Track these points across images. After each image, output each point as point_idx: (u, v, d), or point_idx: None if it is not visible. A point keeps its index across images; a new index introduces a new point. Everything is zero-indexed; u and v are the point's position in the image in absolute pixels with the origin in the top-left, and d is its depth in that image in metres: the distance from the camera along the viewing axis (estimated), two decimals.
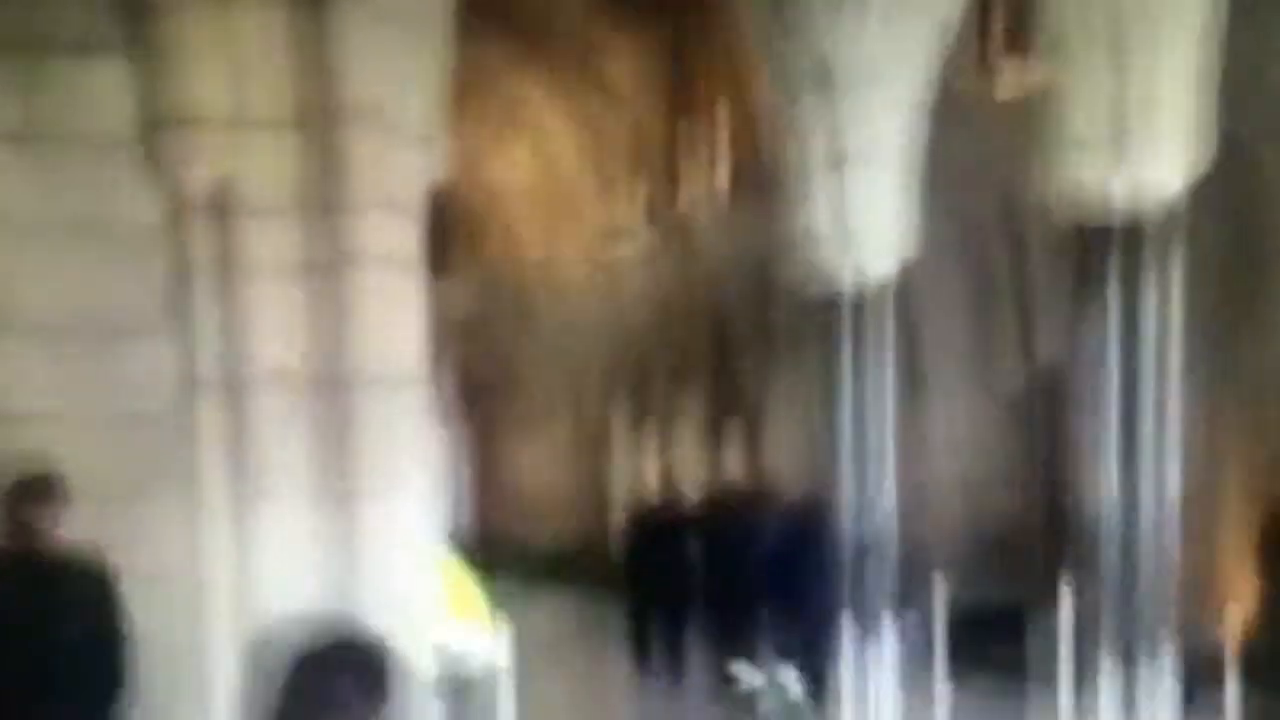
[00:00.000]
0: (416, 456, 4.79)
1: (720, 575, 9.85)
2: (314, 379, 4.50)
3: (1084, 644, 5.45)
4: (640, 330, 19.18)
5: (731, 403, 18.38)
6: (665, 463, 18.83)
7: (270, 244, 4.47)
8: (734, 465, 17.71)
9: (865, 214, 6.83)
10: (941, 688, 7.19)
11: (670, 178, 18.06)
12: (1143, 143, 5.48)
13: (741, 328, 18.36)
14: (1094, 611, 5.44)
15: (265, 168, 4.45)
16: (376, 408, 4.59)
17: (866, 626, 6.96)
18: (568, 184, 20.98)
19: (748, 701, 9.03)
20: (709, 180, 17.16)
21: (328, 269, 4.50)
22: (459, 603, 6.19)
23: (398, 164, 4.68)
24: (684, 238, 17.80)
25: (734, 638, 9.58)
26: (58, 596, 4.26)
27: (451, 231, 24.19)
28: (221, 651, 4.43)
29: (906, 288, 7.23)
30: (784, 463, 15.58)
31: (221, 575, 4.47)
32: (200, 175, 4.44)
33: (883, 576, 7.01)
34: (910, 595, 7.16)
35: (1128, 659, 5.37)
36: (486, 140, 21.15)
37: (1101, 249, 5.52)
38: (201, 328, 4.46)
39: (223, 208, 4.44)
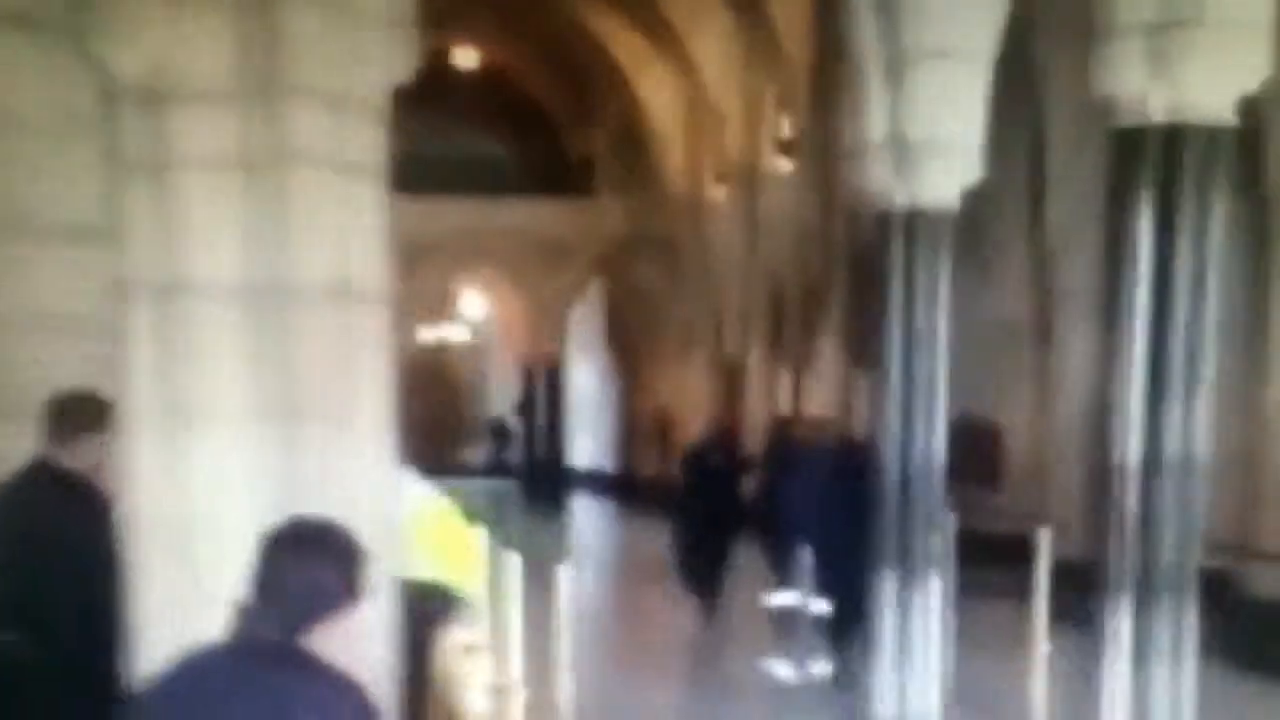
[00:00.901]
0: (369, 380, 4.39)
1: (767, 508, 10.52)
2: (253, 289, 4.12)
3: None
4: (778, 265, 18.67)
5: (863, 339, 17.82)
6: (799, 399, 18.40)
7: (207, 137, 4.08)
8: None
9: (924, 125, 6.10)
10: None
11: (814, 107, 17.36)
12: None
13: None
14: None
15: (202, 52, 4.05)
16: (323, 324, 4.20)
17: (908, 568, 6.44)
18: (712, 108, 20.38)
19: (784, 621, 9.64)
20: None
21: (270, 166, 4.10)
22: (440, 542, 6.25)
23: (354, 53, 4.24)
24: (824, 169, 17.16)
25: (779, 568, 10.14)
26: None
27: (594, 151, 24.11)
28: (150, 570, 4.09)
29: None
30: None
31: (151, 493, 4.12)
32: (131, 59, 4.06)
33: (929, 517, 6.36)
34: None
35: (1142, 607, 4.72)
36: (635, 53, 20.72)
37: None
38: (131, 227, 4.09)
39: (155, 95, 4.06)
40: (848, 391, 18.81)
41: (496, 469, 24.94)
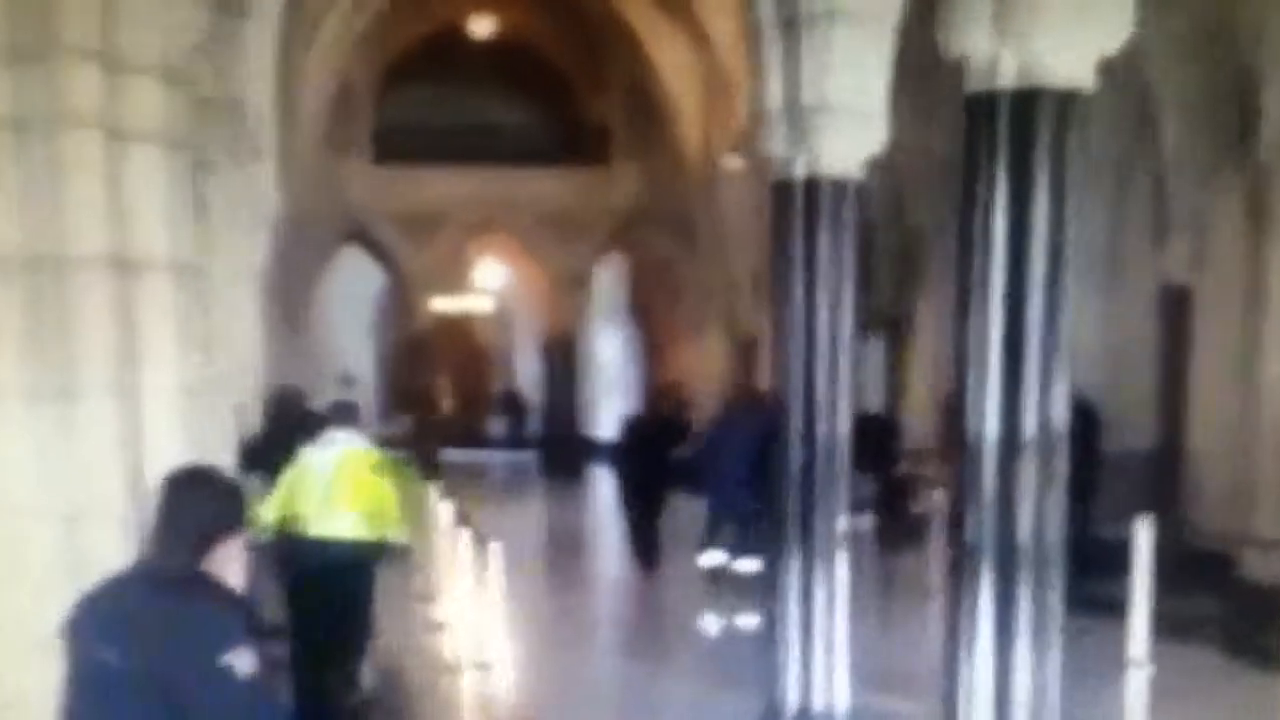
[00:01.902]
0: (158, 351, 4.21)
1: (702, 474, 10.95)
2: (27, 259, 3.95)
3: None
4: None
5: (877, 313, 17.48)
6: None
7: None
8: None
9: (822, 90, 5.77)
10: None
11: None
12: None
13: (886, 236, 17.32)
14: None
15: None
16: (102, 295, 4.02)
17: (809, 542, 6.15)
18: (726, 76, 19.99)
19: (713, 578, 10.48)
20: None
21: (42, 130, 3.92)
22: (360, 495, 6.89)
23: (133, 14, 4.04)
24: None
25: (707, 528, 10.78)
26: None
27: (610, 119, 23.79)
28: None
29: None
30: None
31: None
32: None
33: (831, 490, 6.08)
34: None
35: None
36: (649, 20, 20.39)
37: None
38: None
39: None
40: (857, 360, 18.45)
41: (517, 442, 24.80)
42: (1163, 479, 11.23)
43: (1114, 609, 6.26)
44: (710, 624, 9.84)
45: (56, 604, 3.85)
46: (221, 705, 2.87)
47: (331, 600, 6.95)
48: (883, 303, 17.32)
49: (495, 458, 24.04)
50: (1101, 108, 11.20)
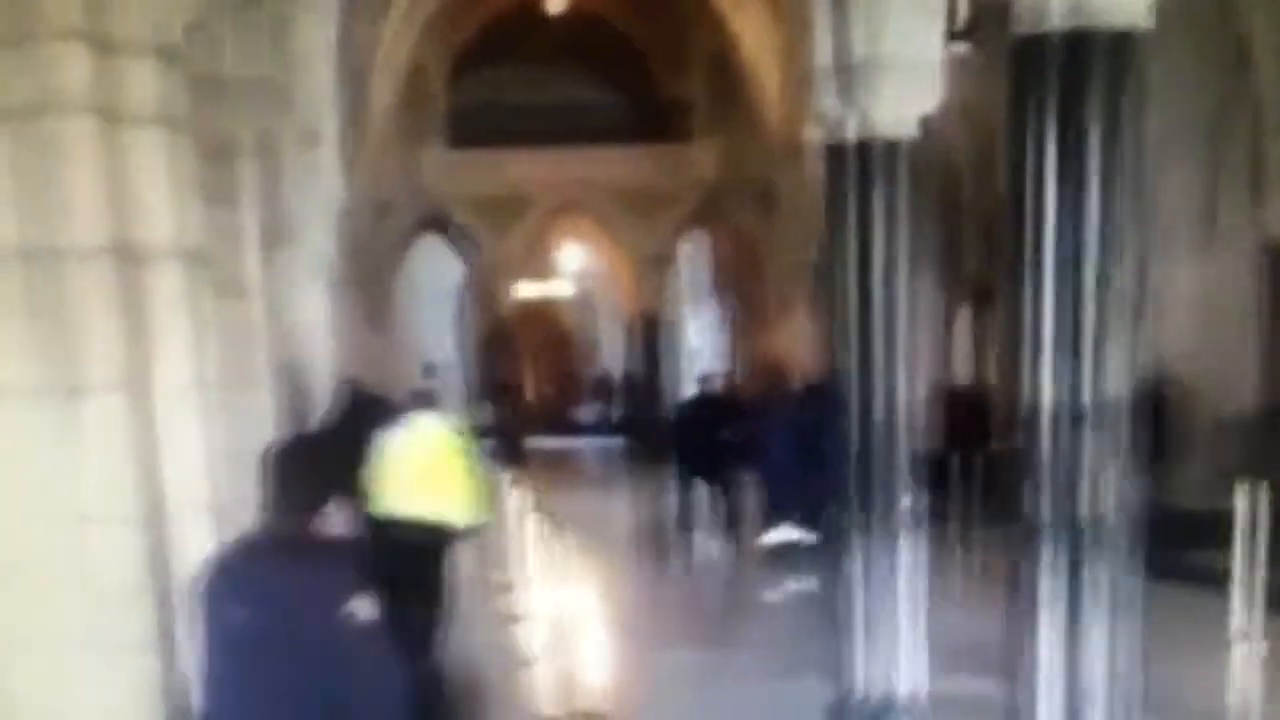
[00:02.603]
0: (166, 343, 4.04)
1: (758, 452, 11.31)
2: (24, 251, 3.80)
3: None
4: None
5: (964, 282, 17.01)
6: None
7: None
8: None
9: (873, 43, 5.42)
10: None
11: None
12: None
13: (974, 202, 16.79)
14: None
15: None
16: (103, 286, 3.86)
17: (870, 524, 5.83)
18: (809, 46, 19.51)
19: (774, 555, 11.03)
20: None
21: (35, 115, 3.76)
22: (440, 480, 7.20)
23: None
24: None
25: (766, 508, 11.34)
26: None
27: (689, 94, 23.39)
28: None
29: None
30: None
31: None
32: None
33: (892, 469, 5.74)
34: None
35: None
36: None
37: None
38: None
39: None
40: (945, 335, 18.09)
41: (607, 427, 24.61)
42: (1268, 444, 10.65)
43: (1219, 582, 5.89)
44: (774, 595, 10.29)
45: (66, 608, 3.76)
46: (348, 652, 3.13)
47: (410, 580, 6.64)
48: (970, 272, 16.81)
49: (584, 444, 23.90)
50: (1192, 58, 10.71)
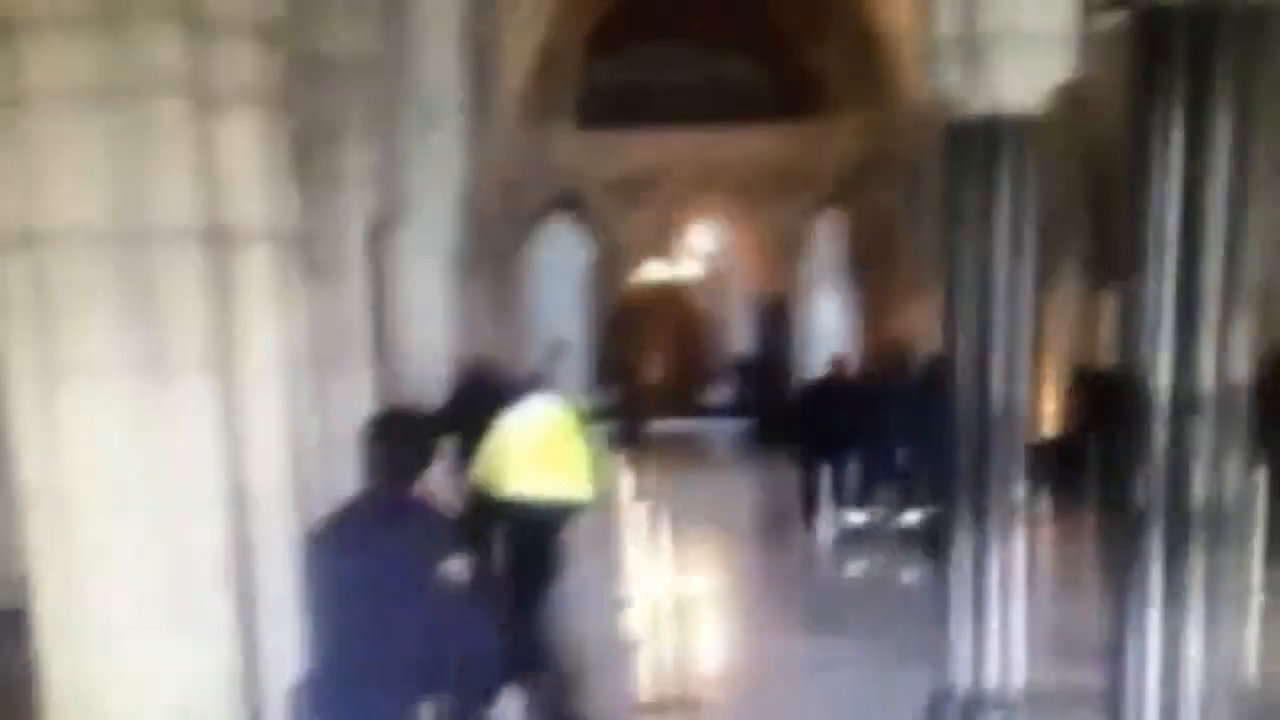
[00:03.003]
0: (254, 328, 3.99)
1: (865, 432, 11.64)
2: (117, 234, 3.78)
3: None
4: None
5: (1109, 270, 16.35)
6: (1039, 323, 17.06)
7: (62, 68, 3.74)
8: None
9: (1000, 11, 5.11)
10: None
11: None
12: None
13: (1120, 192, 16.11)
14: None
15: None
16: (195, 270, 3.82)
17: (983, 512, 5.59)
18: None
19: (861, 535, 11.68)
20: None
21: (128, 97, 3.73)
22: (556, 459, 7.52)
23: None
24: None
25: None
26: None
27: (827, 67, 22.85)
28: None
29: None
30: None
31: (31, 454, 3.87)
32: None
33: (1008, 456, 5.46)
34: None
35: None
36: None
37: None
38: None
39: (4, 24, 3.74)
40: (1091, 314, 17.46)
41: (739, 409, 24.32)
42: None
43: None
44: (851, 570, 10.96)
45: (150, 591, 3.74)
46: (441, 607, 3.43)
47: (526, 555, 7.57)
48: (1117, 254, 16.13)
49: (711, 427, 23.69)
50: None
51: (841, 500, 12.37)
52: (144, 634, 3.66)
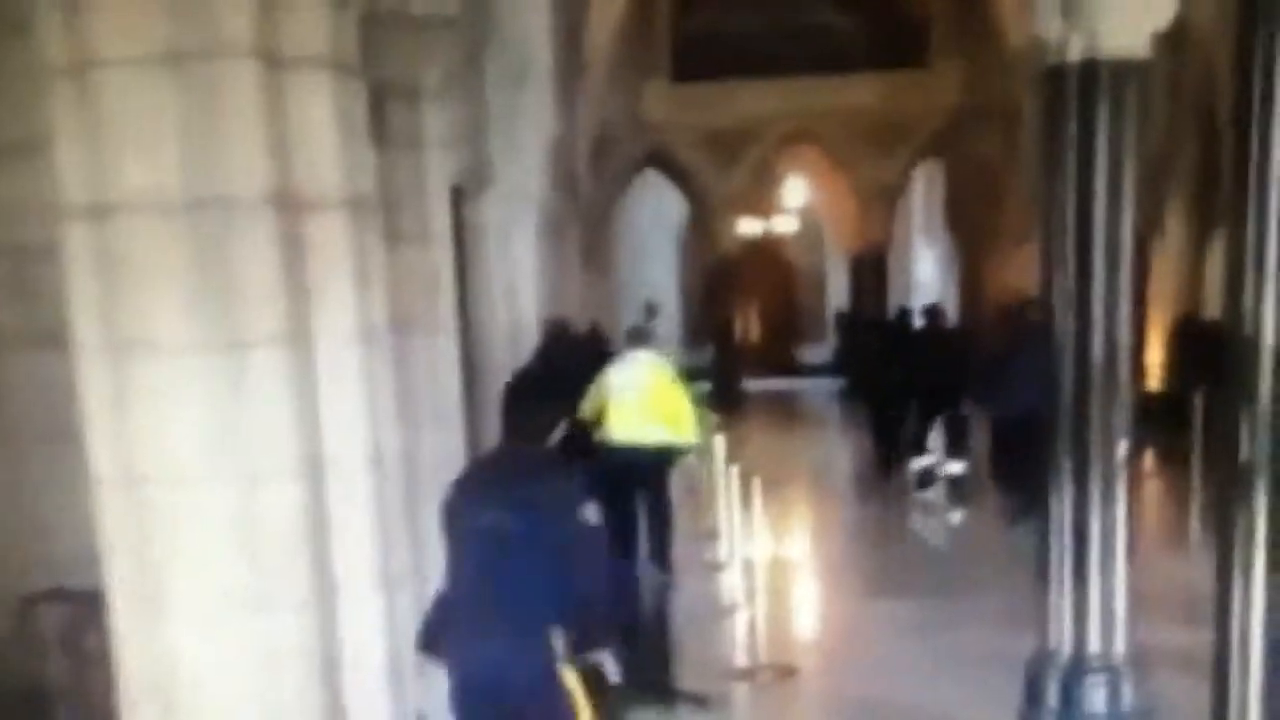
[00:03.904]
0: (328, 295, 3.92)
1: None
2: (188, 201, 3.72)
3: None
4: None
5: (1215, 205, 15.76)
6: (1144, 273, 16.56)
7: (130, 32, 3.68)
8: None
9: None
10: None
11: None
12: None
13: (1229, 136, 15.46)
14: None
15: None
16: (272, 237, 3.76)
17: (1083, 471, 5.31)
18: None
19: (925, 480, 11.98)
20: None
21: (199, 62, 3.67)
22: (660, 407, 8.45)
23: None
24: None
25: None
26: None
27: (929, 13, 22.20)
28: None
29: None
30: None
31: (101, 430, 3.86)
32: None
33: (1110, 411, 5.23)
34: None
35: None
36: None
37: None
38: (58, 138, 3.78)
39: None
40: (1196, 264, 16.89)
41: (837, 367, 23.98)
42: None
43: None
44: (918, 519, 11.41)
45: (229, 573, 3.70)
46: (584, 549, 3.79)
47: (638, 495, 8.50)
48: (1224, 201, 15.55)
49: (809, 385, 23.39)
50: None
51: (919, 449, 12.40)
52: (220, 613, 3.63)
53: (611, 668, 4.07)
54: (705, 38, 21.27)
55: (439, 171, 5.62)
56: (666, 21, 21.30)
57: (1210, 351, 12.89)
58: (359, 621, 3.99)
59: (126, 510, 3.70)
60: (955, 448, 11.78)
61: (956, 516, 11.33)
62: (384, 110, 5.27)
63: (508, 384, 4.26)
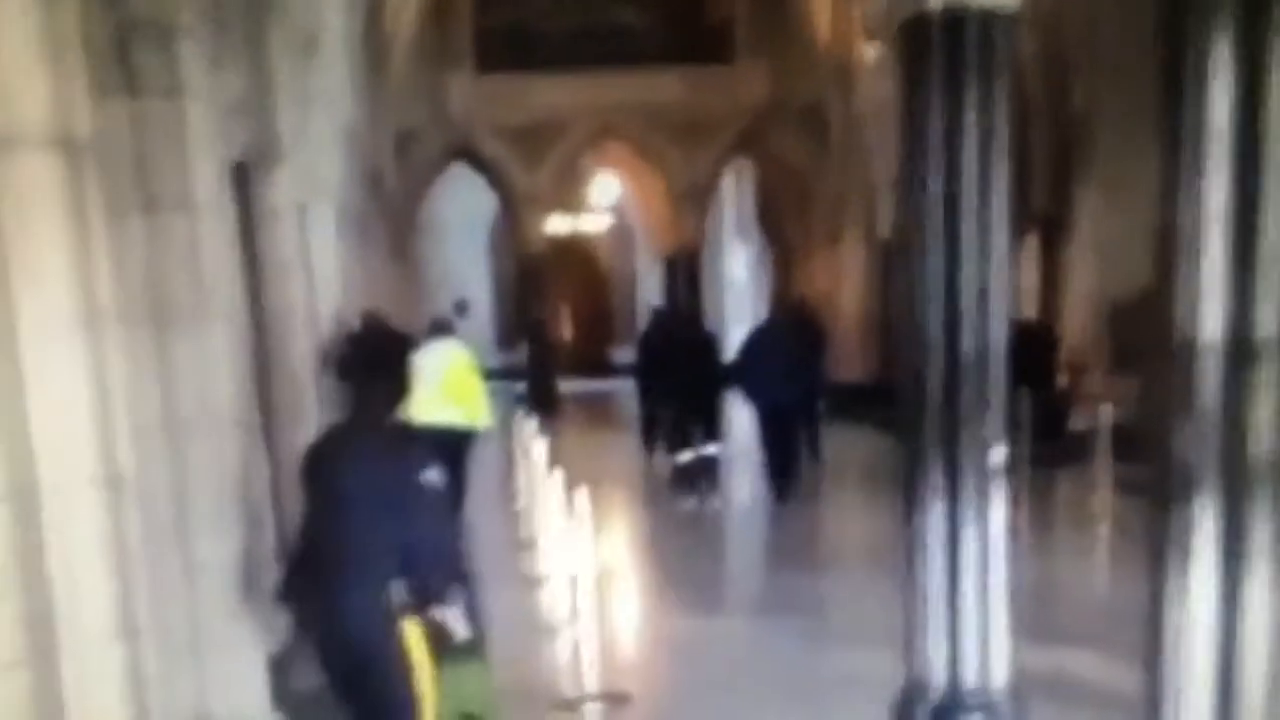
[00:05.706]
0: (39, 262, 3.01)
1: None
2: None
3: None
4: None
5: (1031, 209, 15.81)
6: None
7: None
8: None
9: None
10: None
11: None
12: None
13: (1046, 120, 15.57)
14: None
15: None
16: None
17: (955, 480, 4.76)
18: None
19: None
20: None
21: None
22: (456, 391, 9.21)
23: None
24: None
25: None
26: None
27: (733, 13, 21.93)
28: None
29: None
30: None
31: None
32: None
33: (982, 416, 4.69)
34: None
35: None
36: None
37: None
38: None
39: None
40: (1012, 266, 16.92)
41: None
42: None
43: None
44: (686, 504, 11.74)
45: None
46: (424, 508, 4.05)
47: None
48: (1038, 197, 15.57)
49: (622, 386, 22.85)
50: None
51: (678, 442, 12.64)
52: None
53: (458, 625, 4.19)
54: (510, 30, 20.54)
55: (203, 128, 4.70)
56: (467, 12, 20.46)
57: (1037, 352, 12.85)
58: (94, 678, 3.12)
59: None
60: (710, 435, 12.38)
61: (716, 502, 11.90)
62: (130, 54, 4.36)
63: (341, 360, 4.83)
